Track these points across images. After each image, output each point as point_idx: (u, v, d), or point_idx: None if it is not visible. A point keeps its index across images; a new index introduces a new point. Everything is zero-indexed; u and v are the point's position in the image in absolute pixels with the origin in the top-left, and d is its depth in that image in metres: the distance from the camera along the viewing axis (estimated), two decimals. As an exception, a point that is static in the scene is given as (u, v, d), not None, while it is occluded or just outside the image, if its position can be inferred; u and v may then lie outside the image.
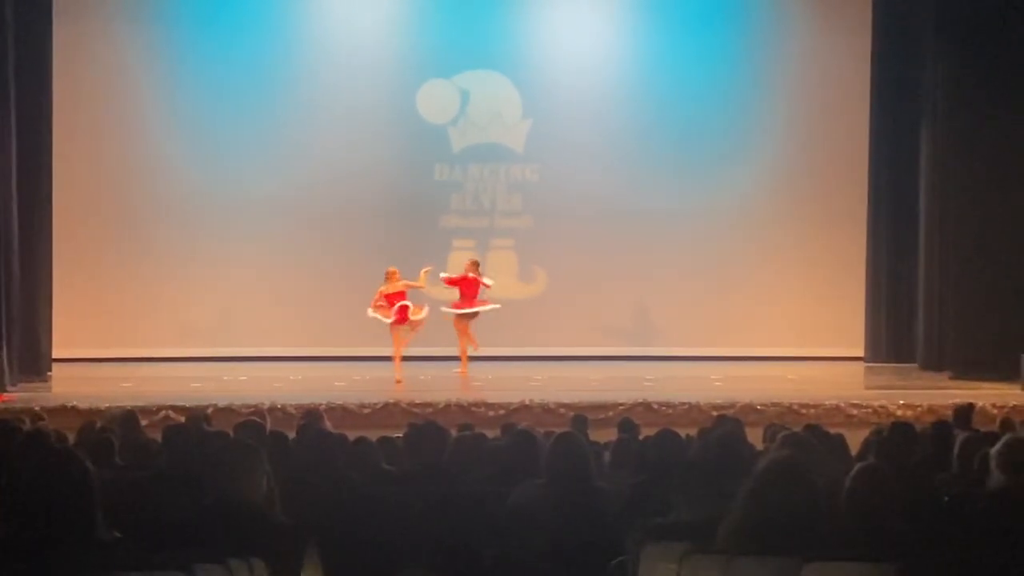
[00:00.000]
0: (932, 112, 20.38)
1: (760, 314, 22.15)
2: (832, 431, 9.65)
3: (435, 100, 22.35)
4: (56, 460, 4.68)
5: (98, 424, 10.32)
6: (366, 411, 15.10)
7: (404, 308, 18.19)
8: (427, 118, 22.36)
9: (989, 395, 16.24)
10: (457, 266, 19.57)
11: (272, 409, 14.07)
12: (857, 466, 5.30)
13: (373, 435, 9.25)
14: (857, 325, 22.01)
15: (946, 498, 6.51)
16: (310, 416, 10.90)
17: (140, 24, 21.84)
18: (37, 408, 14.03)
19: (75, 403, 14.83)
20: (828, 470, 6.36)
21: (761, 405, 15.30)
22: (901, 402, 15.74)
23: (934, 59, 20.31)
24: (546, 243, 22.35)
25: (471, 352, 19.03)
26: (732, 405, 15.05)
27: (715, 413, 13.32)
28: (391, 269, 18.62)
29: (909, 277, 21.31)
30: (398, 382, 17.83)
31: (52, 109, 19.29)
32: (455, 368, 18.97)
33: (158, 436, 9.27)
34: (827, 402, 15.65)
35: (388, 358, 18.60)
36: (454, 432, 9.53)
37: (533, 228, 22.49)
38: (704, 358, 21.27)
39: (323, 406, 14.00)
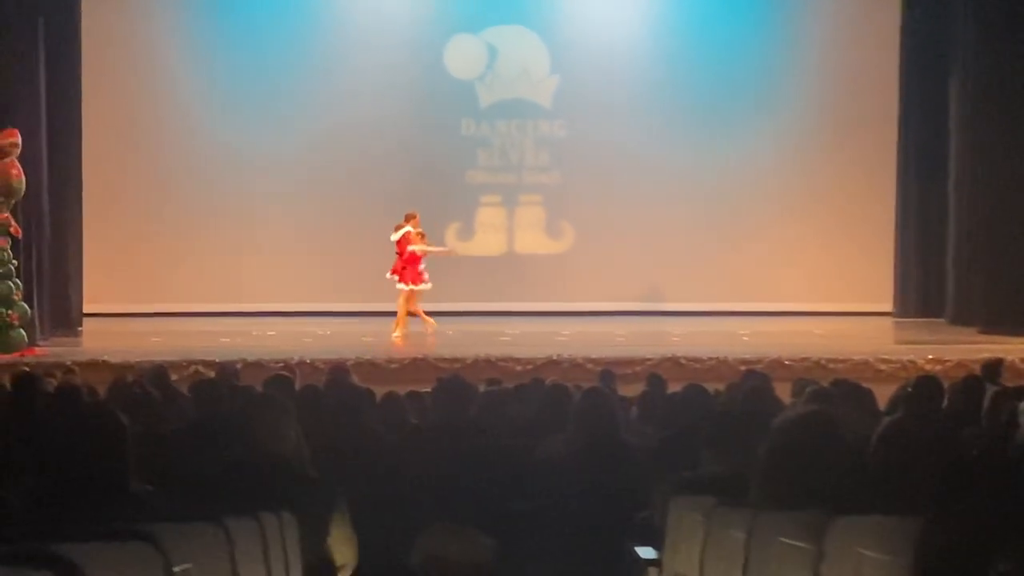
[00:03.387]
0: (962, 64, 20.25)
1: (789, 269, 22.09)
2: (862, 386, 9.61)
3: (462, 55, 22.31)
4: (90, 414, 4.71)
5: (129, 378, 10.38)
6: (394, 366, 15.12)
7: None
8: (454, 73, 22.33)
9: (1018, 350, 16.12)
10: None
11: (301, 364, 14.12)
12: (885, 421, 5.30)
13: (401, 390, 9.29)
14: (886, 280, 21.93)
15: (974, 452, 6.50)
16: (338, 371, 10.93)
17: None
18: (68, 362, 14.09)
19: (106, 357, 14.90)
20: (857, 425, 6.36)
21: (789, 360, 15.22)
22: (930, 357, 15.60)
23: (964, 13, 20.17)
24: (574, 198, 22.33)
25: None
26: (760, 360, 14.95)
27: (743, 368, 13.23)
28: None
29: (938, 232, 21.20)
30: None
31: (81, 68, 19.31)
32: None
33: (188, 390, 9.32)
34: (856, 357, 15.55)
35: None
36: (482, 387, 9.56)
37: (560, 184, 22.46)
38: (732, 313, 21.21)
39: (351, 361, 14.05)
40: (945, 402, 8.65)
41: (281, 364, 13.77)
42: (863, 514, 4.34)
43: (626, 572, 6.31)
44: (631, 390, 10.71)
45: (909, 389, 8.79)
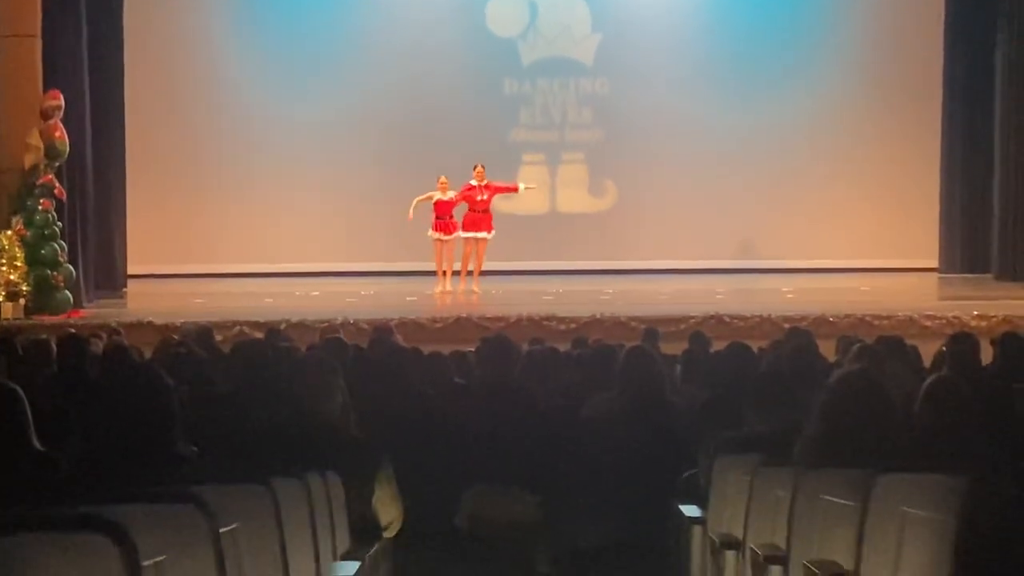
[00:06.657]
0: (1008, 21, 20.09)
1: (833, 226, 21.99)
2: (907, 342, 9.55)
3: (504, 14, 22.25)
4: (138, 375, 4.74)
5: (174, 339, 10.41)
6: (438, 325, 15.12)
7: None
8: (496, 32, 22.27)
9: (1064, 305, 15.99)
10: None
11: (345, 324, 14.13)
12: (930, 378, 5.27)
13: (445, 349, 9.30)
14: (931, 236, 21.79)
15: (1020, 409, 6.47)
16: (382, 331, 10.93)
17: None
18: (114, 324, 14.14)
19: (151, 319, 14.95)
20: (902, 382, 6.34)
21: (833, 317, 15.12)
22: (975, 313, 15.41)
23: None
24: (616, 156, 22.28)
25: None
26: (804, 317, 14.86)
27: (787, 325, 13.14)
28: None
29: (984, 187, 21.04)
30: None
31: (123, 31, 19.32)
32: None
33: (233, 351, 9.34)
34: (900, 313, 15.40)
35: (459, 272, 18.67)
36: (525, 346, 9.55)
37: (603, 141, 22.40)
38: (776, 270, 21.15)
39: (395, 321, 14.06)
40: (991, 358, 8.60)
41: (325, 324, 13.80)
42: (908, 472, 4.32)
43: (671, 530, 6.32)
44: (674, 348, 10.67)
45: (943, 348, 8.74)
